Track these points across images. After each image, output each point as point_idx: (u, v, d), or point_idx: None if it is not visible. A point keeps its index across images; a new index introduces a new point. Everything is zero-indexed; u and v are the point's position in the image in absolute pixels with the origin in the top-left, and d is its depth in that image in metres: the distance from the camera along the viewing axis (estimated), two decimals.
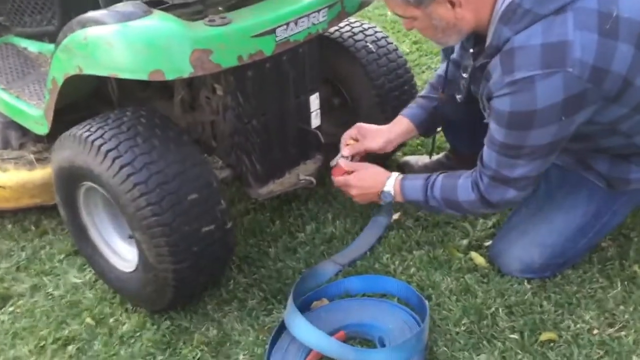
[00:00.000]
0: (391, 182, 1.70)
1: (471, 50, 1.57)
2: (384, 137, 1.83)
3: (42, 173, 2.01)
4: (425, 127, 1.88)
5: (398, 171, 2.23)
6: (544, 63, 1.32)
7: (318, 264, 1.81)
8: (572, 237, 1.68)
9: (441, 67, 1.91)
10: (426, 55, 3.12)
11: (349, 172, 1.76)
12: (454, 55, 1.87)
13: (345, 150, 1.81)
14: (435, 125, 1.94)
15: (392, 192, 1.70)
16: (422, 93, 1.91)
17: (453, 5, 1.40)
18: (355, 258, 1.82)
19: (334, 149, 1.90)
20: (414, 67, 2.93)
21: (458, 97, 1.72)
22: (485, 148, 1.53)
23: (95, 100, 2.03)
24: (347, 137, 1.84)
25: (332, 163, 1.81)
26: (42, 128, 1.85)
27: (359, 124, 1.84)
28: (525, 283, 1.71)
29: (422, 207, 1.81)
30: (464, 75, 1.65)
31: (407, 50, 3.16)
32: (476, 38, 1.55)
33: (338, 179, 1.77)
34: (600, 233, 1.71)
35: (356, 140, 1.83)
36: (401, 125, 1.86)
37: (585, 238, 1.69)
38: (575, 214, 1.66)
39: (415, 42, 3.23)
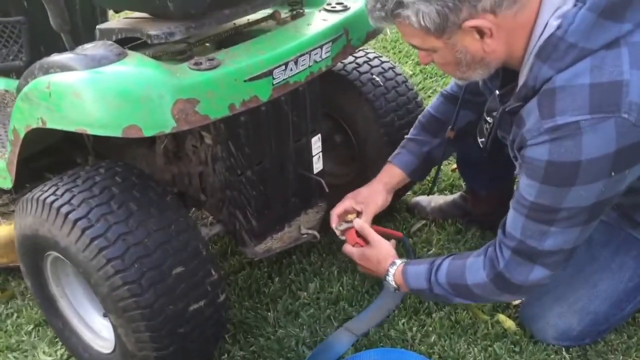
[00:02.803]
0: (392, 271, 1.48)
1: (497, 92, 1.35)
2: (382, 196, 1.63)
3: (8, 229, 1.76)
4: (416, 174, 1.70)
5: (408, 213, 2.07)
6: (593, 107, 1.09)
7: (331, 336, 1.57)
8: (618, 303, 1.46)
9: (433, 103, 1.69)
10: (431, 78, 2.91)
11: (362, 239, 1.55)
12: (448, 89, 1.65)
13: (356, 222, 1.58)
14: (427, 171, 1.74)
15: (394, 284, 1.48)
16: (410, 135, 1.70)
17: (482, 35, 1.15)
18: (370, 327, 1.60)
19: (335, 192, 1.71)
20: (418, 90, 2.71)
21: (480, 140, 1.49)
22: (510, 211, 1.28)
23: (68, 143, 1.80)
24: (341, 210, 1.61)
25: (341, 228, 1.58)
26: (5, 182, 1.61)
27: (351, 195, 1.63)
28: (564, 352, 1.50)
29: (428, 297, 1.59)
30: (488, 119, 1.42)
31: (410, 72, 2.95)
32: (504, 75, 1.33)
33: (344, 248, 1.58)
34: None
35: (355, 210, 1.61)
36: (392, 175, 1.67)
37: (632, 303, 1.47)
38: (623, 277, 1.44)
39: (418, 63, 3.01)
